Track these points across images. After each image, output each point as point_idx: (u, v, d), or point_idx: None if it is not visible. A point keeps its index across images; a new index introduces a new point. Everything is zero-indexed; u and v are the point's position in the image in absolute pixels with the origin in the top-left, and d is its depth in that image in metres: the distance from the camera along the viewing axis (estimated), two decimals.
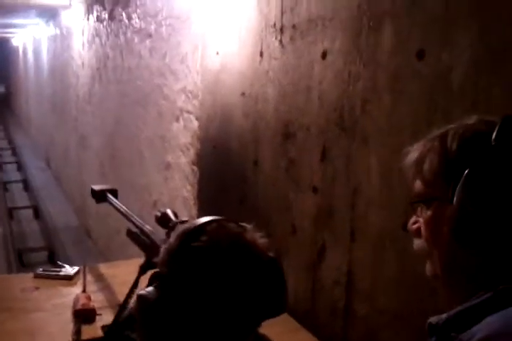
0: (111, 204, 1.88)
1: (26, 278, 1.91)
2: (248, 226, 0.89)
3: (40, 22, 8.76)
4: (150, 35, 3.35)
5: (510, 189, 0.73)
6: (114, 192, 1.95)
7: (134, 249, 1.58)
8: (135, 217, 1.72)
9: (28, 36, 11.62)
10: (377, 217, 1.41)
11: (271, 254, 0.87)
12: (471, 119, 0.83)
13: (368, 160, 1.44)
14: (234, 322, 0.80)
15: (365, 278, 1.45)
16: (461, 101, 1.18)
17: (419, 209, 0.85)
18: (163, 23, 3.08)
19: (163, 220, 1.44)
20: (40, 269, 1.95)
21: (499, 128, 0.76)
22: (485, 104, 1.13)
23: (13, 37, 14.94)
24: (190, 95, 2.70)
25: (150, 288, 0.80)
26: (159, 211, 1.47)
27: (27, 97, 12.59)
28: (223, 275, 0.79)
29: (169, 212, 1.45)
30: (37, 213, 6.36)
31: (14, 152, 10.77)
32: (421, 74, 1.27)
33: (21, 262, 4.69)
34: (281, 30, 1.83)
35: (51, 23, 7.96)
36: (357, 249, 1.48)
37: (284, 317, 1.62)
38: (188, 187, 2.73)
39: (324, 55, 1.63)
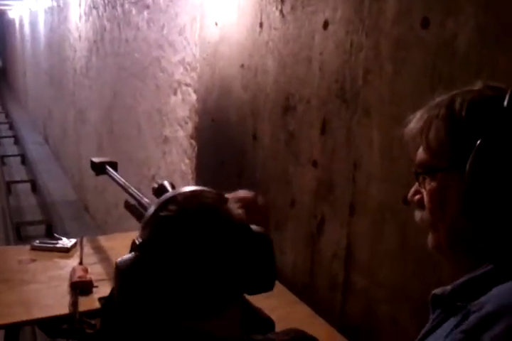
0: (110, 176, 1.87)
1: (23, 250, 1.90)
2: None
3: None
4: (148, 7, 3.28)
5: None
6: (114, 165, 1.94)
7: (131, 222, 1.57)
8: (133, 189, 1.70)
9: (25, 8, 11.44)
10: (377, 190, 1.38)
11: (253, 227, 0.86)
12: (477, 85, 0.80)
13: (369, 132, 1.41)
14: (206, 290, 0.78)
15: (365, 251, 1.44)
16: (466, 69, 1.15)
17: (421, 179, 0.82)
18: None
19: (160, 192, 1.41)
20: (37, 241, 1.94)
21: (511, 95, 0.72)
22: (489, 72, 1.10)
23: (9, 9, 14.72)
24: (188, 67, 2.66)
25: (127, 256, 0.80)
26: (156, 183, 1.44)
27: (24, 71, 12.46)
28: (190, 243, 0.77)
29: (166, 183, 1.42)
30: (34, 187, 6.34)
31: (11, 126, 10.70)
32: (425, 42, 1.24)
33: (19, 236, 4.70)
34: None
35: None
36: (356, 223, 1.46)
37: (282, 290, 1.62)
38: (186, 161, 2.70)
39: (326, 25, 1.59)
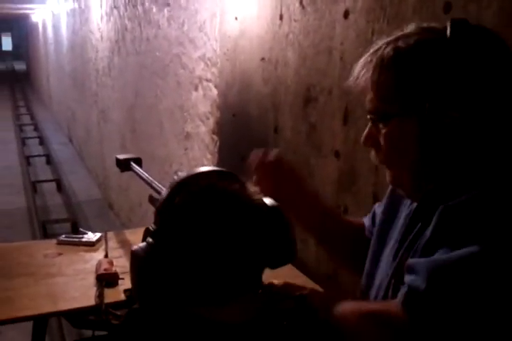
0: (134, 172, 1.90)
1: (49, 245, 1.93)
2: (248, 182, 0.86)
3: None
4: (168, 4, 3.30)
5: (480, 91, 0.74)
6: (138, 161, 1.98)
7: None
8: (156, 183, 1.72)
9: (47, 12, 11.60)
10: None
11: (266, 201, 0.85)
12: (409, 28, 0.84)
13: None
14: (226, 273, 0.78)
15: None
16: None
17: (376, 124, 0.85)
18: None
19: None
20: (63, 236, 1.97)
21: (452, 26, 0.77)
22: None
23: (32, 13, 14.96)
24: (209, 63, 2.66)
25: (142, 243, 0.80)
26: (176, 175, 1.45)
27: (48, 73, 12.65)
28: (204, 229, 0.76)
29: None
30: (60, 186, 6.43)
31: (36, 127, 10.87)
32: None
33: (45, 233, 4.77)
34: None
35: None
36: None
37: (305, 281, 1.61)
38: (208, 156, 2.71)
39: (346, 14, 1.58)
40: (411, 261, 0.80)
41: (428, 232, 0.80)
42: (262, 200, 0.85)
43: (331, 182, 1.66)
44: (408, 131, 0.80)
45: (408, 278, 0.77)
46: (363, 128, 1.51)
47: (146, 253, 0.78)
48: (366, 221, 1.16)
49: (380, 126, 0.84)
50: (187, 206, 0.79)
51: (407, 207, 0.96)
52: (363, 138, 0.89)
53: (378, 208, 1.11)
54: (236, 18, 2.29)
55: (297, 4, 1.81)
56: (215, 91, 2.60)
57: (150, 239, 0.79)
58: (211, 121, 2.67)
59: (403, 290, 0.78)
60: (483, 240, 0.72)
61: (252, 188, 0.84)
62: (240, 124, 2.34)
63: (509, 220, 0.73)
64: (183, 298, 0.79)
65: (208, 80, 2.69)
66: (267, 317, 0.82)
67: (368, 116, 0.87)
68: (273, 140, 2.04)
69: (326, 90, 1.69)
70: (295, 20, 1.84)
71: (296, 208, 1.10)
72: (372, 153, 0.89)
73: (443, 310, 0.72)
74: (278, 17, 1.94)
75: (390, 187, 1.00)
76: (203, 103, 2.77)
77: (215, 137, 2.64)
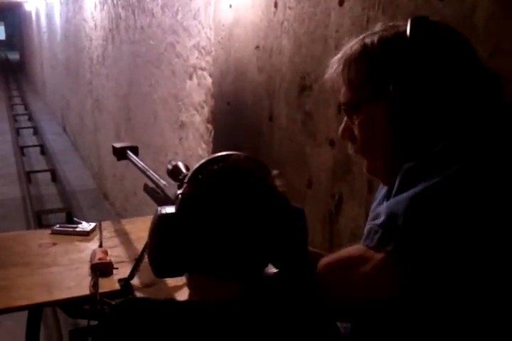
0: (130, 160, 1.89)
1: (44, 234, 1.92)
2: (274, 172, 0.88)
3: None
4: None
5: (435, 76, 0.83)
6: (135, 149, 1.97)
7: (150, 209, 1.57)
8: (151, 172, 1.71)
9: (41, 0, 11.49)
10: None
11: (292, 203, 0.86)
12: (377, 27, 0.92)
13: None
14: (233, 251, 0.80)
15: None
16: (485, 42, 1.11)
17: (350, 115, 0.93)
18: None
19: (174, 173, 1.41)
20: (58, 225, 1.96)
21: (412, 24, 0.85)
22: (509, 45, 1.07)
23: (26, 2, 14.81)
24: (203, 51, 2.64)
25: (170, 207, 0.83)
26: (170, 164, 1.45)
27: (41, 63, 12.55)
28: (230, 203, 0.80)
29: (180, 164, 1.43)
30: (54, 177, 6.41)
31: (30, 117, 10.82)
32: (443, 15, 1.20)
33: (40, 224, 4.76)
34: None
35: None
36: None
37: None
38: (203, 146, 2.70)
39: (341, 2, 1.56)
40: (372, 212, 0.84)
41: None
42: (285, 194, 0.86)
43: (326, 170, 1.66)
44: (378, 115, 0.87)
45: (388, 203, 0.81)
46: None
47: (171, 215, 0.81)
48: None
49: (354, 117, 0.91)
50: (223, 177, 0.82)
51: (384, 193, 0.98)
52: (340, 131, 0.96)
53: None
54: (230, 6, 2.27)
55: None
56: (209, 80, 2.58)
57: (178, 204, 0.82)
58: (206, 110, 2.66)
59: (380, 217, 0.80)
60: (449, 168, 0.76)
61: (280, 182, 0.87)
62: (235, 113, 2.33)
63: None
64: (195, 262, 0.82)
65: (202, 69, 2.67)
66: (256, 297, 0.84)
67: (343, 108, 0.95)
68: (268, 128, 2.03)
69: (320, 78, 1.67)
70: (290, 8, 1.82)
71: None
72: (349, 145, 0.95)
73: (426, 242, 0.73)
74: (273, 4, 1.92)
75: (380, 187, 1.04)
76: (197, 92, 2.76)
77: (209, 126, 2.62)
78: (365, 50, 0.89)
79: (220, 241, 0.79)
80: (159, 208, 0.84)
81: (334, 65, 0.93)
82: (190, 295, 0.91)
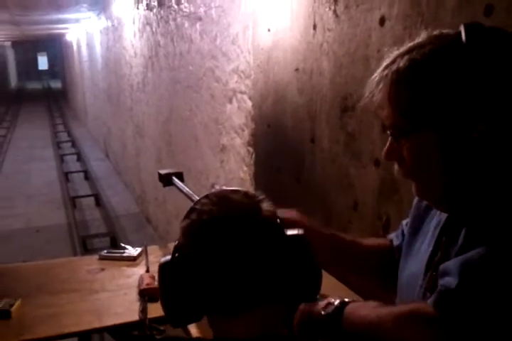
0: (176, 187, 1.92)
1: (91, 260, 1.95)
2: (262, 197, 0.87)
3: (91, 15, 8.96)
4: (200, 19, 3.34)
5: (505, 99, 0.72)
6: (180, 175, 2.00)
7: None
8: (196, 197, 1.72)
9: (81, 31, 11.91)
10: None
11: (288, 231, 0.85)
12: (422, 37, 0.82)
13: None
14: (232, 287, 0.81)
15: None
16: None
17: (397, 139, 0.84)
18: (212, 5, 3.05)
19: None
20: (105, 251, 1.98)
21: (466, 30, 0.73)
22: None
23: (67, 32, 15.37)
24: (242, 75, 2.67)
25: (168, 256, 0.85)
26: (214, 188, 1.46)
27: (83, 91, 12.94)
28: (217, 245, 0.80)
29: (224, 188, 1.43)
30: (98, 201, 6.54)
31: (73, 144, 11.12)
32: None
33: (85, 248, 4.85)
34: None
35: (102, 16, 8.10)
36: None
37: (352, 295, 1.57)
38: (245, 168, 2.71)
39: (382, 22, 1.55)
40: (442, 266, 0.79)
41: (460, 241, 0.79)
42: (274, 216, 0.85)
43: (372, 191, 1.63)
44: (431, 145, 0.78)
45: (441, 281, 0.77)
46: None
47: (168, 263, 0.84)
48: (395, 240, 1.13)
49: (402, 141, 0.83)
50: (199, 224, 0.83)
51: (435, 218, 0.94)
52: (384, 154, 0.89)
53: (405, 222, 1.10)
54: (269, 30, 2.29)
55: (330, 13, 1.80)
56: (249, 103, 2.60)
57: (175, 254, 0.84)
58: (246, 133, 2.67)
59: (438, 288, 0.77)
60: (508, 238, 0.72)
61: (270, 207, 0.85)
62: (276, 135, 2.33)
63: None
64: (201, 306, 0.84)
65: (242, 92, 2.69)
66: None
67: (388, 132, 0.86)
68: (310, 150, 2.03)
69: (363, 99, 1.66)
70: (329, 30, 1.83)
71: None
72: (396, 167, 0.88)
73: (475, 305, 0.71)
74: (311, 27, 1.93)
75: (415, 199, 1.01)
76: (237, 115, 2.78)
77: (250, 149, 2.63)
78: (413, 66, 0.78)
79: (215, 280, 0.80)
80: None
81: (377, 82, 0.83)
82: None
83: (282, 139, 2.26)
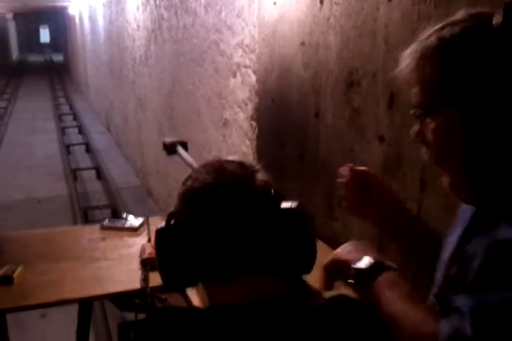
0: (180, 155, 1.92)
1: (93, 230, 1.96)
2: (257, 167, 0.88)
3: None
4: None
5: None
6: (184, 145, 2.00)
7: None
8: None
9: (84, 4, 11.74)
10: None
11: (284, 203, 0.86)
12: (458, 15, 0.78)
13: None
14: (224, 254, 0.82)
15: (438, 227, 1.39)
16: None
17: (423, 119, 0.81)
18: None
19: None
20: (107, 221, 2.00)
21: (506, 11, 0.69)
22: None
23: (69, 6, 15.17)
24: (247, 49, 2.65)
25: (163, 223, 0.87)
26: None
27: (85, 64, 12.84)
28: (211, 213, 0.82)
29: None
30: (99, 174, 6.55)
31: (75, 117, 11.08)
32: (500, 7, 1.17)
33: (86, 219, 4.88)
34: None
35: None
36: (427, 199, 1.42)
37: None
38: (247, 143, 2.71)
39: None
40: (457, 298, 0.73)
41: (476, 264, 0.73)
42: (268, 186, 0.86)
43: (376, 167, 1.63)
44: (455, 125, 0.76)
45: (453, 319, 0.72)
46: (409, 112, 1.48)
47: (163, 230, 0.86)
48: None
49: (428, 120, 0.80)
50: (192, 192, 0.85)
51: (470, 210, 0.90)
52: (413, 135, 0.86)
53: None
54: (275, 3, 2.26)
55: None
56: (253, 78, 2.59)
57: (170, 220, 0.86)
58: (250, 108, 2.66)
59: (446, 326, 0.72)
60: None
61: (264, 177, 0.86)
62: (280, 110, 2.32)
63: None
64: (195, 271, 0.85)
65: (246, 66, 2.67)
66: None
67: (414, 111, 0.83)
68: (314, 125, 2.02)
69: (369, 74, 1.65)
70: (336, 3, 1.81)
71: (389, 222, 1.11)
72: (424, 149, 0.85)
73: None
74: (318, 0, 1.91)
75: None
76: (241, 89, 2.76)
77: (253, 123, 2.63)
78: (442, 44, 0.76)
79: (210, 244, 0.82)
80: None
81: (406, 59, 0.80)
82: (205, 299, 0.95)
83: (286, 114, 2.26)
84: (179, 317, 0.85)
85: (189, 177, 0.87)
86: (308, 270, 0.89)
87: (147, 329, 0.84)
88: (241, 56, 2.73)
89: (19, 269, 1.60)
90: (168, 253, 0.85)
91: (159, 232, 0.86)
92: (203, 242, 0.82)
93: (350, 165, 1.13)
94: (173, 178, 4.36)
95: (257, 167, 0.87)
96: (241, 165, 0.86)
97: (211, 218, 0.82)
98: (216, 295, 0.86)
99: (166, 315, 0.86)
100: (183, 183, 0.87)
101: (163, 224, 0.86)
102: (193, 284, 0.89)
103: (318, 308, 0.84)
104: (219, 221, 0.81)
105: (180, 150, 1.92)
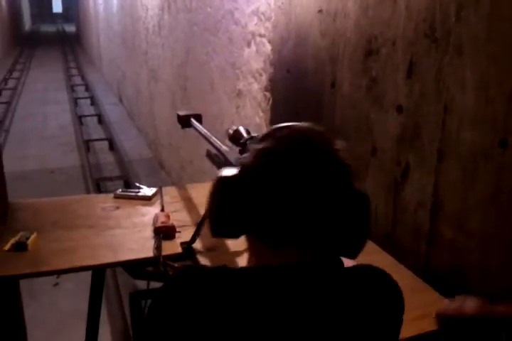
0: (194, 128, 1.91)
1: (107, 198, 1.96)
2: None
3: None
4: None
5: None
6: (199, 117, 1.99)
7: (206, 177, 1.58)
8: (214, 138, 1.71)
9: None
10: (470, 134, 1.30)
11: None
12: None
13: (462, 72, 1.32)
14: (288, 221, 0.80)
15: (454, 199, 1.37)
16: None
17: None
18: None
19: (235, 137, 1.41)
20: (120, 190, 1.99)
21: None
22: None
23: None
24: (262, 17, 2.59)
25: (230, 169, 0.85)
26: (231, 128, 1.45)
27: (98, 35, 12.72)
28: (291, 170, 0.80)
29: (241, 129, 1.42)
30: (111, 145, 6.56)
31: (87, 88, 11.05)
32: None
33: (99, 190, 4.90)
34: None
35: None
36: (445, 170, 1.39)
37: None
38: (261, 114, 2.67)
39: None
40: None
41: None
42: (349, 165, 0.84)
43: (392, 137, 1.60)
44: None
45: None
46: (428, 81, 1.45)
47: (231, 180, 0.84)
48: None
49: None
50: (277, 150, 0.83)
51: None
52: None
53: None
54: None
55: None
56: (268, 47, 2.53)
57: (238, 171, 0.85)
58: (264, 78, 2.62)
59: None
60: None
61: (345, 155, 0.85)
62: (295, 80, 2.28)
63: None
64: (249, 225, 0.84)
65: (261, 35, 2.62)
66: None
67: None
68: (330, 95, 1.98)
69: (389, 41, 1.60)
70: None
71: None
72: None
73: None
74: None
75: None
76: (255, 59, 2.71)
77: (267, 94, 2.59)
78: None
79: (276, 207, 0.80)
80: (220, 170, 0.87)
81: None
82: (248, 260, 0.92)
83: (302, 84, 2.21)
84: (217, 275, 0.81)
85: (269, 136, 0.85)
86: (354, 255, 0.88)
87: (175, 292, 0.80)
88: (256, 24, 2.67)
89: (33, 236, 1.61)
90: (226, 201, 0.84)
91: (225, 181, 0.84)
92: (267, 204, 0.80)
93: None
94: (185, 151, 4.35)
95: (339, 146, 0.86)
96: (328, 140, 0.85)
97: (284, 184, 0.79)
98: (262, 257, 0.86)
99: (196, 273, 0.83)
100: (262, 140, 0.85)
101: (229, 172, 0.85)
102: (236, 236, 0.88)
103: (347, 271, 0.84)
104: (295, 187, 0.79)
105: (195, 123, 1.90)
